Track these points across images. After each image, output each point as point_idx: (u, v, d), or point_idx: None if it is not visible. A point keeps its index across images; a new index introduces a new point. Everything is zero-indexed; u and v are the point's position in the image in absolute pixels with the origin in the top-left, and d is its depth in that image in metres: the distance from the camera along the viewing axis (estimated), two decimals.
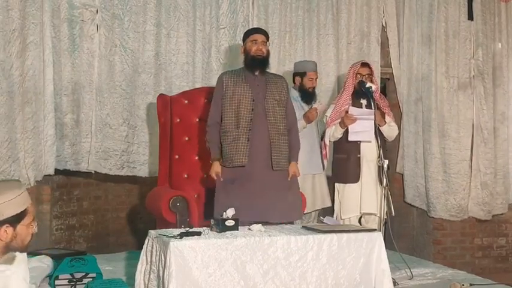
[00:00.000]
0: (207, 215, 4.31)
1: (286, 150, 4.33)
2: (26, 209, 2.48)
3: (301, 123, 5.03)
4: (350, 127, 4.73)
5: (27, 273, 2.60)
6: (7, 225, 2.43)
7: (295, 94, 5.28)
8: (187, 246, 3.47)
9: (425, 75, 6.45)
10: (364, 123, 4.69)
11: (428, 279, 4.72)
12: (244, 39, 4.43)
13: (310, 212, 5.37)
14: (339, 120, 4.81)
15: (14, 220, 2.44)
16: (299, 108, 5.16)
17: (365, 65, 4.88)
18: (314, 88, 5.40)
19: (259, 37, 4.33)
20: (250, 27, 5.81)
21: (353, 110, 4.74)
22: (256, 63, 4.31)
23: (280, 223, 4.18)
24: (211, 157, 4.32)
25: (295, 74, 5.42)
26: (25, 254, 2.61)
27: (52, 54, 5.24)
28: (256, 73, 4.34)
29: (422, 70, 6.47)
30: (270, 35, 5.74)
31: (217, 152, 4.30)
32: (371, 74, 4.87)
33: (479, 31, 6.57)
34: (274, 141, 4.27)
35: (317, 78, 5.44)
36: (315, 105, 5.32)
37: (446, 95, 6.43)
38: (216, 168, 4.26)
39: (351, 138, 4.74)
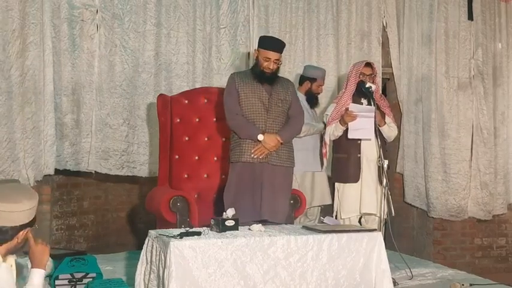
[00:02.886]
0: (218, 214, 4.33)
1: (288, 148, 4.38)
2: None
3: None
4: (350, 124, 4.72)
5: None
6: (28, 228, 2.56)
7: (300, 95, 5.34)
8: (187, 246, 3.48)
9: (425, 75, 6.45)
10: (364, 121, 4.68)
11: (428, 279, 4.73)
12: (259, 45, 4.45)
13: (310, 208, 5.40)
14: (340, 118, 4.80)
15: (32, 223, 2.58)
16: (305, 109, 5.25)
17: (368, 64, 4.88)
18: (318, 94, 5.55)
19: (273, 56, 4.36)
20: (251, 27, 5.84)
21: (353, 107, 4.74)
22: (264, 78, 4.38)
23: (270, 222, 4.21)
24: (251, 135, 4.27)
25: (305, 78, 5.49)
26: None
27: (52, 54, 5.24)
28: (264, 85, 4.40)
29: (422, 70, 6.47)
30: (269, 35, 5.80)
31: (257, 128, 4.28)
32: (373, 74, 4.87)
33: (479, 31, 6.57)
34: None
35: (323, 84, 5.58)
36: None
37: (446, 95, 6.43)
38: (270, 137, 4.26)
39: (350, 135, 4.74)
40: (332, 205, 5.06)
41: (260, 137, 4.25)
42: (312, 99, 5.50)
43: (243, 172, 4.28)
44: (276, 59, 4.36)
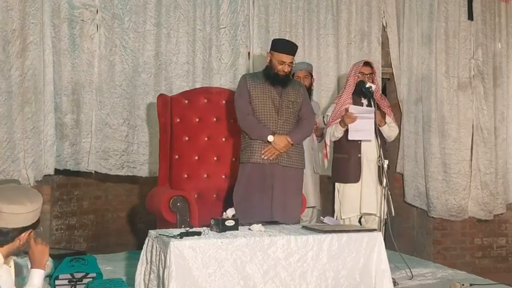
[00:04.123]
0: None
1: (298, 150, 4.40)
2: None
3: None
4: (350, 126, 4.72)
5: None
6: (31, 230, 2.54)
7: None
8: (187, 246, 3.48)
9: (425, 75, 6.45)
10: (364, 122, 4.68)
11: (428, 279, 4.73)
12: (272, 48, 4.45)
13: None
14: (340, 119, 4.81)
15: (35, 226, 2.57)
16: None
17: (367, 64, 4.88)
18: (307, 87, 5.32)
19: (288, 59, 4.38)
20: (251, 27, 5.83)
21: (353, 109, 4.74)
22: (278, 80, 4.39)
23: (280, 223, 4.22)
24: (261, 136, 4.29)
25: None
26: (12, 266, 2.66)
27: (52, 54, 5.24)
28: (275, 86, 4.41)
29: (422, 70, 6.47)
30: (270, 35, 5.82)
31: (267, 129, 4.30)
32: (373, 74, 4.87)
33: (479, 31, 6.57)
34: None
35: (307, 76, 5.40)
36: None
37: (446, 95, 6.43)
38: (280, 138, 4.28)
39: (350, 137, 4.74)
40: (332, 205, 5.05)
41: (270, 138, 4.27)
42: None
43: (252, 173, 4.29)
44: (290, 62, 4.39)
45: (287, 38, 5.92)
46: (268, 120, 4.33)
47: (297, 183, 4.41)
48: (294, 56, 4.45)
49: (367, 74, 4.82)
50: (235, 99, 4.46)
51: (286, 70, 4.38)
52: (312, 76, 5.49)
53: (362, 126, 4.69)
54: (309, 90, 5.45)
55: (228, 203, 4.35)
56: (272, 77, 4.39)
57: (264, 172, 4.29)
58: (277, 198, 4.26)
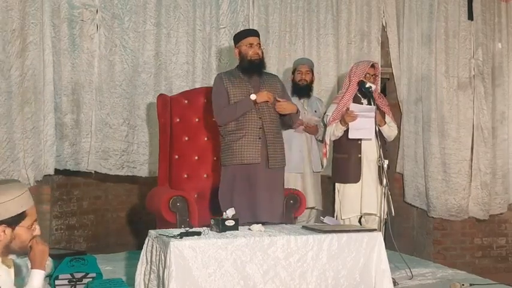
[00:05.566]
0: (214, 213, 4.35)
1: (281, 149, 4.38)
2: (25, 211, 2.48)
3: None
4: (350, 124, 4.72)
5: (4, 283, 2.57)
6: (5, 225, 2.43)
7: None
8: (187, 246, 3.48)
9: (425, 75, 6.45)
10: (364, 121, 4.68)
11: (428, 279, 4.73)
12: (236, 42, 4.44)
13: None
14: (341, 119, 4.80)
15: (12, 221, 2.44)
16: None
17: (371, 65, 4.88)
18: (307, 82, 5.44)
19: (254, 40, 4.37)
20: (251, 27, 5.82)
21: (354, 107, 4.74)
22: (254, 67, 4.35)
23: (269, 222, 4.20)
24: (246, 105, 4.26)
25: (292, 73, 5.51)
26: (11, 270, 2.60)
27: (52, 54, 5.24)
28: (254, 76, 4.38)
29: (422, 70, 6.47)
30: (270, 35, 5.84)
31: (245, 97, 4.28)
32: (376, 75, 4.88)
33: (479, 31, 6.57)
34: (270, 139, 4.31)
35: (308, 71, 5.46)
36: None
37: (446, 95, 6.43)
38: (261, 93, 4.28)
39: (351, 135, 4.73)
40: (333, 205, 5.06)
41: (253, 96, 4.25)
42: (298, 89, 5.39)
43: (236, 174, 4.27)
44: (258, 43, 4.36)
45: (287, 38, 5.98)
46: (248, 118, 4.28)
47: (280, 182, 4.38)
48: (259, 38, 4.42)
49: (372, 75, 4.83)
50: (213, 99, 4.39)
51: (258, 51, 4.33)
52: (312, 73, 5.52)
53: (362, 125, 4.69)
54: (310, 86, 5.48)
55: (214, 204, 4.35)
56: (247, 66, 4.34)
57: (248, 172, 4.25)
58: (262, 198, 4.23)
